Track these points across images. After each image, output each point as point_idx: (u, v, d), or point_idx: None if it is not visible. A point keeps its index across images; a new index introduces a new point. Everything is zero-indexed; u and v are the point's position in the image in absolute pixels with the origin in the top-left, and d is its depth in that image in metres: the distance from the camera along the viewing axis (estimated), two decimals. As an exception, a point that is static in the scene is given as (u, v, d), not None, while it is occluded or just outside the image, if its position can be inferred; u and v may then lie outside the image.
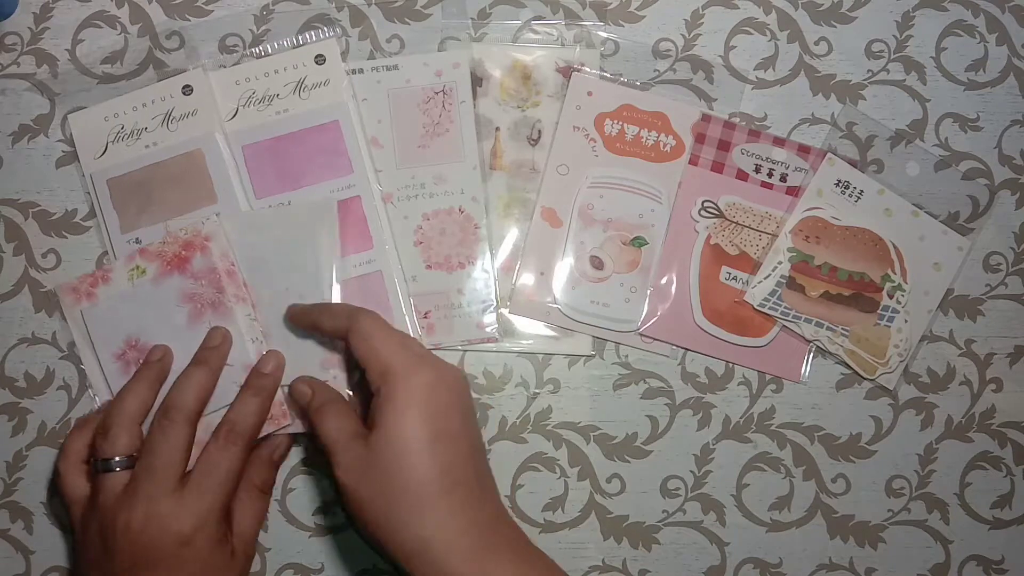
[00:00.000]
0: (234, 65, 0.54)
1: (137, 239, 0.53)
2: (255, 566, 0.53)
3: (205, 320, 0.52)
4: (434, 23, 0.55)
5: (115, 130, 0.53)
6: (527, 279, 0.54)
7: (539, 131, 0.55)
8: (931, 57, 0.56)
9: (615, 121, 0.55)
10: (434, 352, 0.47)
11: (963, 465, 0.55)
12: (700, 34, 0.55)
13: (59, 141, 0.54)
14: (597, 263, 0.54)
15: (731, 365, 0.54)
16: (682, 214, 0.54)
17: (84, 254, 0.54)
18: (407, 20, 0.55)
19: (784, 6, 0.56)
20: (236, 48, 0.55)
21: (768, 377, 0.54)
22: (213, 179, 0.53)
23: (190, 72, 0.54)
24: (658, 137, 0.55)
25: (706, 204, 0.54)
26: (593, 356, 0.54)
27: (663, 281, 0.54)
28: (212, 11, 0.55)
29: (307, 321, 0.50)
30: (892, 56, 0.56)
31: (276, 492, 0.53)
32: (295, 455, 0.53)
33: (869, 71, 0.56)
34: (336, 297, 0.52)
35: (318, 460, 0.53)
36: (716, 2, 0.56)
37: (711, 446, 0.54)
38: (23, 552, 0.53)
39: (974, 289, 0.55)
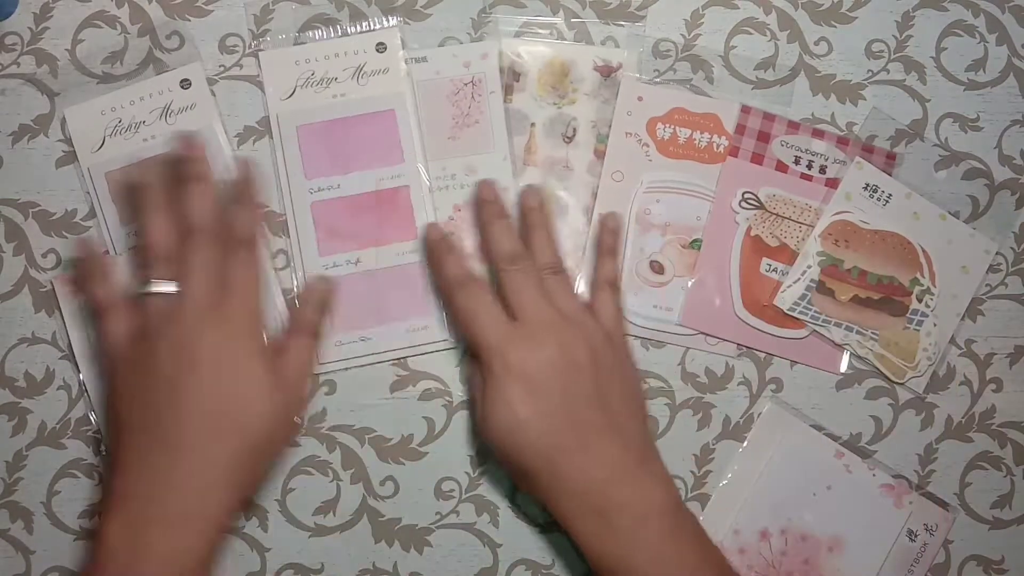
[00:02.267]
0: (297, 45, 0.54)
1: (135, 231, 0.53)
2: (254, 566, 0.53)
3: None
4: (434, 23, 0.55)
5: (112, 124, 0.53)
6: (588, 287, 0.54)
7: (574, 129, 0.55)
8: (931, 57, 0.56)
9: (667, 125, 0.55)
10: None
11: (963, 465, 0.55)
12: (700, 34, 0.55)
13: (59, 141, 0.54)
14: (657, 268, 0.54)
15: (731, 365, 0.54)
16: (722, 206, 0.54)
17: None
18: (407, 20, 0.55)
19: (784, 6, 0.56)
20: (236, 48, 0.55)
21: (768, 377, 0.54)
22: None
23: (188, 66, 0.54)
24: (710, 139, 0.55)
25: (746, 195, 0.54)
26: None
27: (704, 272, 0.54)
28: (212, 11, 0.55)
29: (433, 254, 0.52)
30: (892, 56, 0.56)
31: (276, 492, 0.53)
32: (295, 455, 0.53)
33: (869, 71, 0.56)
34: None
35: (316, 463, 0.53)
36: (716, 2, 0.56)
37: (711, 446, 0.54)
38: (23, 552, 0.53)
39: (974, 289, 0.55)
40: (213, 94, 0.54)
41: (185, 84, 0.54)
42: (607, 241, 0.53)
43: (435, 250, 0.52)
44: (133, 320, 0.48)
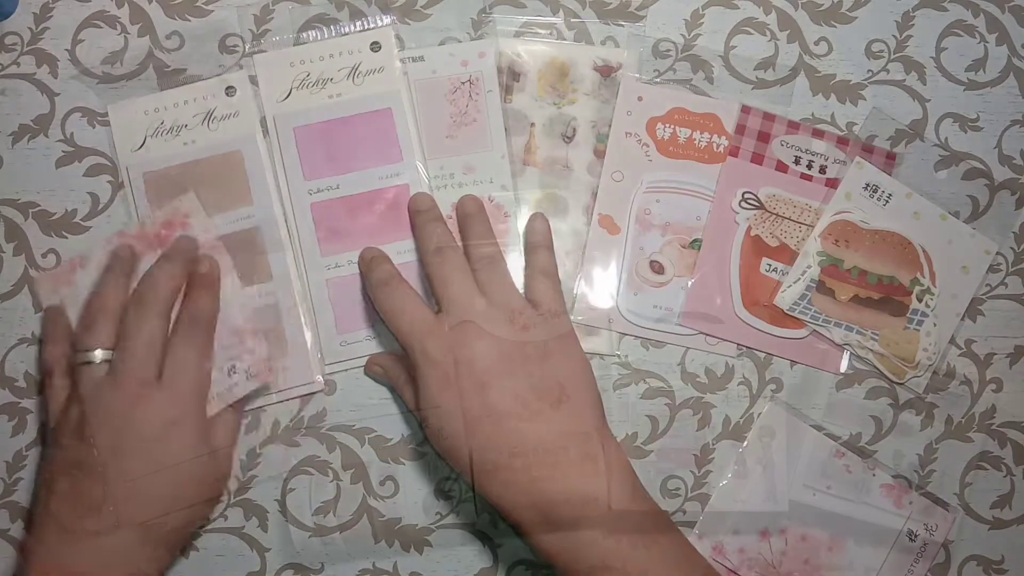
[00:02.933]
0: (298, 45, 0.54)
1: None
2: (254, 566, 0.53)
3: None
4: (434, 23, 0.55)
5: (155, 125, 0.54)
6: (588, 287, 0.54)
7: (574, 128, 0.55)
8: (931, 57, 0.56)
9: (667, 125, 0.55)
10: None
11: (963, 465, 0.55)
12: (700, 34, 0.55)
13: (59, 141, 0.54)
14: (657, 268, 0.54)
15: (731, 365, 0.54)
16: (722, 206, 0.54)
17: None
18: (407, 20, 0.55)
19: (784, 6, 0.56)
20: (236, 48, 0.55)
21: (768, 377, 0.54)
22: (250, 182, 0.54)
23: (233, 73, 0.54)
24: (710, 139, 0.55)
25: (746, 196, 0.54)
26: (616, 355, 0.54)
27: (704, 272, 0.54)
28: (212, 11, 0.55)
29: (364, 266, 0.52)
30: (892, 56, 0.56)
31: (276, 492, 0.53)
32: (295, 455, 0.53)
33: (869, 71, 0.56)
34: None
35: (316, 463, 0.53)
36: (716, 2, 0.56)
37: (711, 446, 0.54)
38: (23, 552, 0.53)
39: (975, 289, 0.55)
40: (258, 105, 0.54)
41: (230, 91, 0.54)
42: (536, 238, 0.52)
43: (366, 263, 0.52)
44: (73, 383, 0.47)
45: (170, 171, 0.53)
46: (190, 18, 0.55)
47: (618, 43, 0.55)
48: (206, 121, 0.54)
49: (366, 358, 0.53)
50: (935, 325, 0.54)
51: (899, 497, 0.54)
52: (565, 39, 0.55)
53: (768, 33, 0.56)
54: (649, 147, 0.55)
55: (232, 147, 0.54)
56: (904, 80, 0.56)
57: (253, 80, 0.54)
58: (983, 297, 0.56)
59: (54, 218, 0.54)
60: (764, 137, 0.55)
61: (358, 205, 0.54)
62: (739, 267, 0.54)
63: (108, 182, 0.54)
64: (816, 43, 0.56)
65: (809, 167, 0.55)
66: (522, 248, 0.53)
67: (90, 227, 0.54)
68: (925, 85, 0.56)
